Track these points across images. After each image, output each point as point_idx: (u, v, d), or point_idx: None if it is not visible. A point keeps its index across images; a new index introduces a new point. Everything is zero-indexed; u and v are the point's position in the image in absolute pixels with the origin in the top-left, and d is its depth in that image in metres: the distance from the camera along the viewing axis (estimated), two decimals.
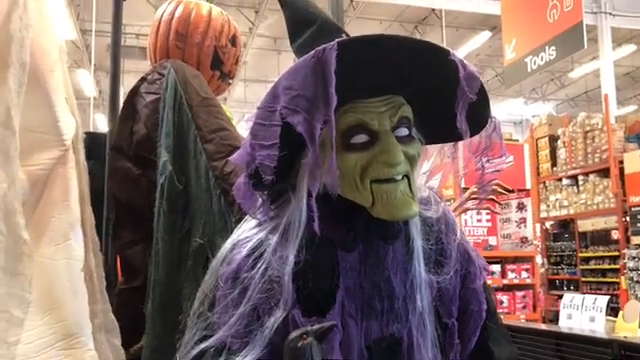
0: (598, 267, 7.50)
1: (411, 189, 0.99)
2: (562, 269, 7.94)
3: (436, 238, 1.09)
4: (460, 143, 1.09)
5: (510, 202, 7.07)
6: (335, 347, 0.97)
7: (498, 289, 6.45)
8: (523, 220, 7.40)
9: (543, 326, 2.71)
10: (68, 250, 0.93)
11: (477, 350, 1.09)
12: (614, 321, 2.22)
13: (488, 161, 1.07)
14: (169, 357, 1.29)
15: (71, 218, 0.93)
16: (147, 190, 1.42)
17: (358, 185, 0.98)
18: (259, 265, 1.01)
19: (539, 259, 7.57)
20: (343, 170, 0.96)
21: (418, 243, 1.06)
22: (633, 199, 6.30)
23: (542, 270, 7.64)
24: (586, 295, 2.32)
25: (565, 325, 2.27)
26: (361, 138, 0.97)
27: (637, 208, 6.22)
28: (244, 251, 1.04)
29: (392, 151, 0.95)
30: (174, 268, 1.35)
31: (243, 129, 1.06)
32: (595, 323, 2.20)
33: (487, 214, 6.97)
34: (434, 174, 1.16)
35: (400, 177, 0.97)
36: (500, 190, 1.52)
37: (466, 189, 1.71)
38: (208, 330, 1.01)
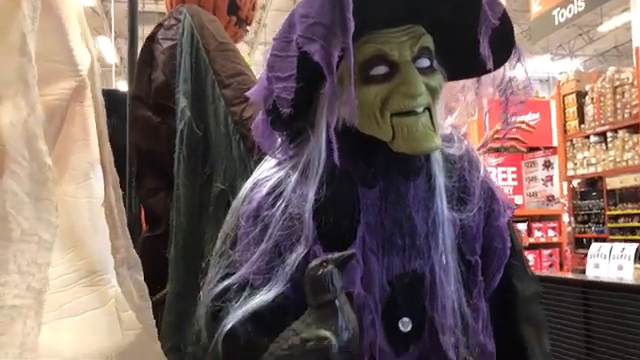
0: (627, 225, 7.39)
1: (433, 122, 0.97)
2: (589, 227, 7.84)
3: (459, 175, 1.07)
4: (483, 78, 1.06)
5: (536, 160, 6.98)
6: (356, 281, 0.97)
7: (524, 248, 6.41)
8: (550, 178, 7.30)
9: (570, 275, 2.69)
10: (89, 189, 0.94)
11: (501, 287, 1.09)
12: None
13: (512, 93, 1.04)
14: (193, 301, 1.30)
15: (91, 157, 0.93)
16: (167, 137, 1.42)
17: (378, 119, 0.96)
18: (279, 203, 1.01)
19: (566, 217, 7.49)
20: (362, 104, 0.95)
21: (440, 180, 1.05)
22: None
23: (569, 229, 7.57)
24: (614, 244, 2.28)
25: (592, 274, 2.24)
26: (381, 70, 0.95)
27: None
28: (264, 190, 1.04)
29: (413, 82, 0.93)
30: (196, 214, 1.36)
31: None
32: (623, 271, 2.17)
33: (512, 173, 6.92)
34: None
35: (421, 109, 0.95)
36: (526, 128, 1.48)
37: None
38: (230, 268, 1.01)
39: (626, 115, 6.79)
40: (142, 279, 1.03)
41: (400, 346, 0.99)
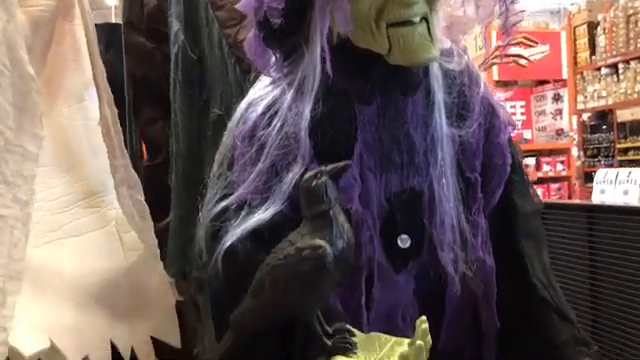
0: (637, 157, 7.33)
1: (430, 33, 0.94)
2: (599, 161, 7.79)
3: (458, 91, 1.05)
4: None
5: (546, 94, 6.88)
6: (354, 198, 0.97)
7: (532, 182, 6.40)
8: (559, 112, 7.22)
9: (575, 201, 2.69)
10: (84, 111, 0.93)
11: (501, 203, 1.08)
12: None
13: (512, 2, 1.01)
14: (195, 227, 1.32)
15: (84, 78, 0.92)
16: (162, 64, 1.41)
17: (373, 30, 0.94)
18: (275, 122, 1.00)
19: (575, 151, 7.45)
20: (357, 15, 0.92)
21: (439, 96, 1.03)
22: None
23: (578, 163, 7.54)
24: (620, 169, 2.26)
25: (598, 199, 2.23)
26: None
27: None
28: (259, 109, 1.03)
29: None
30: (194, 139, 1.36)
31: None
32: (629, 196, 2.15)
33: (521, 107, 6.84)
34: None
35: (418, 19, 0.93)
36: (527, 42, 1.45)
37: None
38: (228, 189, 1.02)
39: (639, 45, 6.63)
40: (142, 199, 1.03)
41: (399, 262, 1.00)
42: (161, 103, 1.41)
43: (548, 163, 6.78)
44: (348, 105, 0.99)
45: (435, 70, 1.03)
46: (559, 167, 7.18)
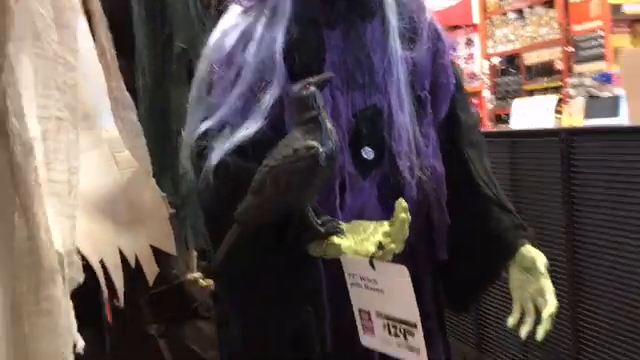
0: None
1: None
2: (508, 103, 8.23)
3: (409, 17, 1.18)
4: None
5: (458, 39, 7.16)
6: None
7: None
8: (471, 56, 7.56)
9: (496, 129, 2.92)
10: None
11: (447, 117, 1.24)
12: (560, 118, 2.42)
13: None
14: (165, 156, 1.40)
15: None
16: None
17: None
18: (250, 47, 1.10)
19: (486, 94, 7.82)
20: None
21: (394, 23, 1.16)
22: (576, 28, 6.46)
23: (490, 106, 7.93)
24: (535, 97, 2.49)
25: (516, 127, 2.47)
26: None
27: (580, 36, 6.39)
28: (234, 36, 1.12)
29: None
30: (159, 72, 1.42)
31: None
32: (544, 121, 2.40)
33: None
34: None
35: None
36: None
37: None
38: (210, 111, 1.11)
39: None
40: (136, 119, 1.11)
41: (365, 171, 1.13)
42: (125, 40, 1.44)
43: None
44: (317, 31, 1.10)
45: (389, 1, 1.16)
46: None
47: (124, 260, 1.05)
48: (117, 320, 1.42)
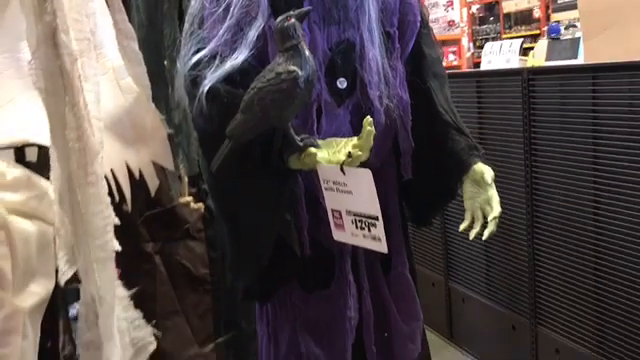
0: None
1: None
2: None
3: None
4: None
5: None
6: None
7: None
8: (451, 3, 7.61)
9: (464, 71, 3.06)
10: None
11: (414, 51, 1.37)
12: (526, 60, 2.57)
13: None
14: (159, 90, 1.53)
15: None
16: None
17: None
18: None
19: (465, 42, 7.92)
20: None
21: None
22: None
23: (468, 54, 8.04)
24: (504, 41, 2.63)
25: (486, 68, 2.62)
26: None
27: None
28: None
29: None
30: (152, 10, 1.53)
31: None
32: (510, 63, 2.56)
33: None
34: None
35: None
36: None
37: None
38: (201, 44, 1.23)
39: None
40: (137, 48, 1.24)
41: (339, 99, 1.26)
42: None
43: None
44: None
45: None
46: (451, 57, 7.61)
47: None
48: (116, 238, 1.58)
